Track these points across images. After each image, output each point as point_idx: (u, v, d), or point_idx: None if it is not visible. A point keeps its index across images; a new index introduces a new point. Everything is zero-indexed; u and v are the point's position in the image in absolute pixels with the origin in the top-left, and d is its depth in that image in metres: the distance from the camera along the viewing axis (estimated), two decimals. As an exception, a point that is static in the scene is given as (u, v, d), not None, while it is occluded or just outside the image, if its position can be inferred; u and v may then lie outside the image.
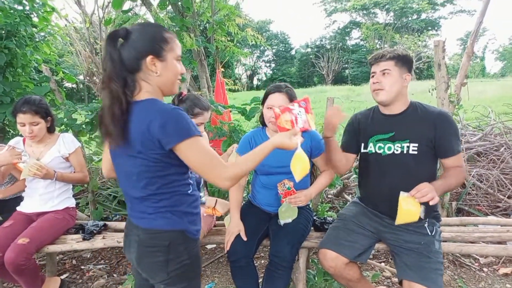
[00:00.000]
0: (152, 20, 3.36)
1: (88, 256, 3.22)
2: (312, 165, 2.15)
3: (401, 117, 1.76)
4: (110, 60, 1.16)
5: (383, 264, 2.65)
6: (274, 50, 41.05)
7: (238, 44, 4.14)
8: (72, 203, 2.47)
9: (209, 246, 3.19)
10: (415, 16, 33.42)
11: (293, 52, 41.24)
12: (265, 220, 2.10)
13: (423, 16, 33.47)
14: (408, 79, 1.73)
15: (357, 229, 1.86)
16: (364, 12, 35.39)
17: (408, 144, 1.73)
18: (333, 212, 3.19)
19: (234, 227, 1.99)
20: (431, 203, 1.51)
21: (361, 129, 1.91)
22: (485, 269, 2.58)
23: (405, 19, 33.23)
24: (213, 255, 3.08)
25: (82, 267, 3.02)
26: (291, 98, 1.95)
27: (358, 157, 1.99)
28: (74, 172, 2.40)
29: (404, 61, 1.71)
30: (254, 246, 2.00)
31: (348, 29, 37.98)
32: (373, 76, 1.77)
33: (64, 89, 3.97)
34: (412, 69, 1.77)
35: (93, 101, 3.29)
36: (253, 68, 41.56)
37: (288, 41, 41.93)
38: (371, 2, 32.96)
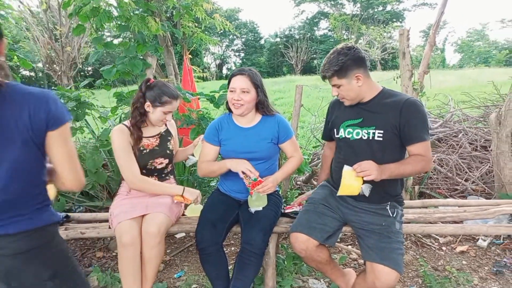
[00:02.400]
0: (115, 3, 3.20)
1: (51, 249, 3.09)
2: (279, 151, 2.16)
3: (369, 104, 1.79)
4: None
5: (349, 246, 2.73)
6: (243, 39, 40.72)
7: (206, 32, 4.03)
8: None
9: (178, 235, 3.15)
10: (380, 8, 34.22)
11: (262, 42, 41.12)
12: (235, 207, 2.09)
13: (388, 8, 34.34)
14: (362, 77, 1.73)
15: (326, 212, 1.89)
16: (332, 2, 35.80)
17: (374, 131, 1.77)
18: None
19: (237, 163, 1.98)
20: (367, 178, 1.60)
21: (335, 116, 1.95)
22: (443, 248, 2.72)
23: (371, 10, 33.95)
24: (182, 244, 3.04)
25: (44, 261, 2.89)
26: (253, 81, 1.95)
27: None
28: None
29: (345, 68, 1.70)
30: (223, 233, 1.99)
31: (316, 20, 38.27)
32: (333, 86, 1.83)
33: (21, 77, 3.74)
34: (362, 63, 1.73)
35: (53, 88, 3.12)
36: (222, 57, 41.07)
37: (257, 30, 41.70)
38: (338, -8, 33.44)
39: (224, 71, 41.38)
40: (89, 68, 28.20)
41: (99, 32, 3.20)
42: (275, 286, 2.12)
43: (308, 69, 33.03)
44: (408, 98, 1.73)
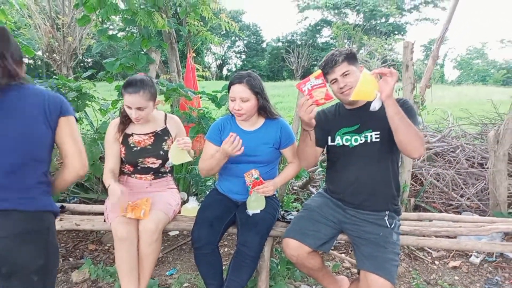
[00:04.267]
0: (122, -3, 3.20)
1: (41, 239, 3.05)
2: (280, 156, 2.16)
3: (364, 108, 1.79)
4: None
5: (343, 255, 2.73)
6: (245, 41, 40.75)
7: (209, 31, 4.04)
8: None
9: (171, 233, 3.13)
10: (383, 20, 34.45)
11: (264, 45, 41.18)
12: (232, 208, 2.08)
13: (391, 20, 34.59)
14: (362, 69, 1.74)
15: (321, 219, 1.89)
16: (336, 11, 35.97)
17: (371, 133, 1.79)
18: (298, 203, 3.23)
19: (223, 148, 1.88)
20: (383, 90, 1.54)
21: (327, 123, 1.93)
22: (436, 262, 2.73)
23: (374, 21, 34.17)
24: (175, 242, 3.03)
25: (34, 251, 2.86)
26: (252, 88, 1.91)
27: (326, 151, 2.01)
28: None
29: (353, 56, 1.75)
30: (219, 234, 1.98)
31: (319, 27, 38.42)
32: (334, 82, 1.77)
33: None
34: (357, 59, 1.80)
35: (53, 77, 3.10)
36: (223, 57, 41.06)
37: (259, 34, 41.76)
38: (342, 1, 33.54)
39: (225, 71, 41.38)
40: (89, 60, 28.08)
41: (104, 24, 3.19)
42: (267, 290, 2.11)
43: (308, 75, 33.08)
44: (398, 98, 1.75)
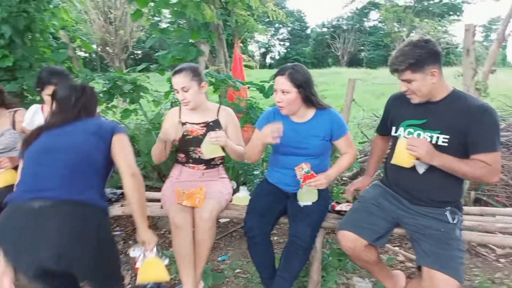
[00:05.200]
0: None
1: (103, 223, 3.28)
2: (331, 147, 2.12)
3: (437, 105, 1.67)
4: None
5: (397, 248, 2.64)
6: (289, 29, 40.17)
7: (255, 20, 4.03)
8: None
9: (222, 220, 3.22)
10: (437, 0, 32.27)
11: (308, 31, 40.40)
12: (283, 198, 2.09)
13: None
14: (437, 73, 1.60)
15: (377, 212, 1.83)
16: (385, -8, 34.27)
17: (438, 135, 1.66)
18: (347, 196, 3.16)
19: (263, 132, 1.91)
20: (414, 154, 1.59)
21: (394, 113, 1.86)
22: (502, 260, 2.56)
23: (426, 2, 32.11)
24: (226, 229, 3.11)
25: (97, 233, 3.08)
26: (294, 81, 1.89)
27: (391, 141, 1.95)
28: None
29: (421, 62, 1.58)
30: (271, 224, 2.01)
31: (367, 10, 36.81)
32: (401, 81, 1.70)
33: (81, 58, 3.96)
34: (438, 58, 1.62)
35: (109, 70, 3.27)
36: (266, 45, 40.89)
37: (304, 20, 40.98)
38: (392, -18, 31.84)
39: (268, 59, 41.22)
40: (139, 52, 29.24)
41: (156, 18, 3.29)
42: (319, 280, 2.11)
43: (354, 61, 32.07)
44: (482, 104, 1.62)
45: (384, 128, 1.96)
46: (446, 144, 1.64)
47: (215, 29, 3.68)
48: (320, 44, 37.16)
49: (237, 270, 2.52)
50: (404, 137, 1.69)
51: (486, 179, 1.67)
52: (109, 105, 3.34)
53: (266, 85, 3.08)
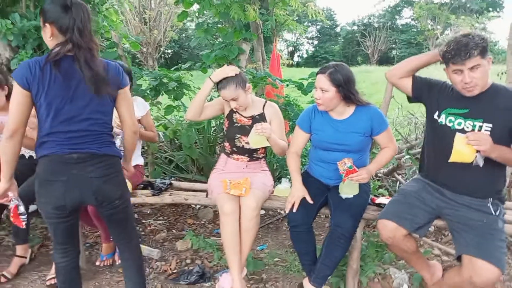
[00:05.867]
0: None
1: (148, 212, 3.50)
2: (371, 142, 2.20)
3: (479, 96, 1.72)
4: None
5: (433, 242, 2.69)
6: (318, 27, 39.90)
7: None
8: (141, 161, 2.68)
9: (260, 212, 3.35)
10: (475, -5, 31.08)
11: (338, 30, 39.97)
12: (324, 190, 2.19)
13: (485, -5, 31.03)
14: (491, 61, 1.67)
15: (418, 204, 1.90)
16: (419, -11, 33.33)
17: (481, 124, 1.71)
18: (383, 190, 3.22)
19: (298, 190, 2.09)
20: (479, 148, 1.59)
21: (440, 96, 1.87)
22: (541, 258, 2.55)
23: (464, -1, 31.02)
24: (262, 221, 3.24)
25: (144, 221, 3.30)
26: (333, 80, 1.97)
27: (426, 127, 2.01)
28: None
29: (486, 48, 1.63)
30: (313, 214, 2.11)
31: (399, 8, 36.07)
32: (457, 72, 1.67)
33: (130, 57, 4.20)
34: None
35: (142, 68, 3.47)
36: (295, 44, 40.80)
37: (334, 18, 40.57)
38: (427, -22, 30.98)
39: (296, 58, 41.05)
40: (169, 51, 29.92)
41: (200, 19, 3.47)
42: (358, 269, 2.20)
43: (385, 60, 31.45)
44: None
45: (420, 91, 1.94)
46: (489, 132, 1.69)
47: (254, 28, 3.82)
48: (350, 42, 36.69)
49: (276, 259, 2.64)
50: (458, 133, 1.67)
51: None
52: (154, 101, 3.55)
53: (305, 83, 3.19)
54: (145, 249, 2.70)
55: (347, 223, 1.96)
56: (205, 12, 3.35)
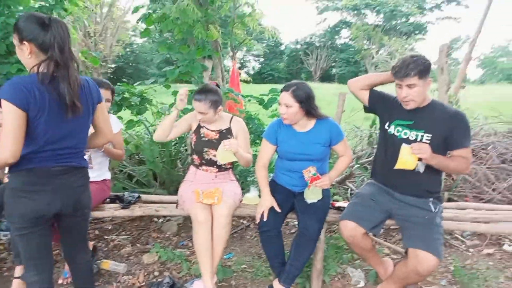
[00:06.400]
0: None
1: (109, 227, 3.44)
2: (329, 152, 2.44)
3: (422, 110, 2.04)
4: None
5: (384, 242, 2.99)
6: (263, 45, 41.10)
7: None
8: (108, 175, 2.67)
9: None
10: (404, 19, 34.16)
11: (282, 48, 41.46)
12: (290, 197, 2.38)
13: (412, 19, 34.24)
14: (430, 83, 1.98)
15: (373, 205, 2.15)
16: (355, 12, 35.89)
17: (422, 134, 2.03)
18: (338, 196, 3.50)
19: (266, 200, 2.26)
20: (421, 157, 1.87)
21: (391, 109, 2.15)
22: (471, 250, 2.95)
23: (394, 21, 33.93)
24: (228, 231, 3.34)
25: (106, 237, 3.24)
26: (296, 97, 2.19)
27: (378, 136, 2.30)
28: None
29: (426, 70, 1.92)
30: (282, 219, 2.29)
31: (338, 28, 38.40)
32: (399, 86, 1.98)
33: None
34: (430, 71, 1.97)
35: (118, 84, 3.48)
36: (241, 61, 41.55)
37: (278, 36, 42.07)
38: (362, 2, 33.45)
39: (243, 75, 41.66)
40: (113, 66, 28.94)
41: (162, 36, 3.56)
42: (322, 269, 2.40)
43: (326, 77, 33.16)
44: (458, 110, 2.03)
45: (375, 106, 2.23)
46: (428, 142, 2.01)
47: (214, 46, 3.99)
48: (293, 60, 38.17)
49: (243, 265, 2.77)
50: (404, 144, 1.94)
51: (466, 170, 2.06)
52: (116, 116, 3.54)
53: (266, 98, 3.40)
54: (110, 264, 2.69)
55: (314, 226, 2.16)
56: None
